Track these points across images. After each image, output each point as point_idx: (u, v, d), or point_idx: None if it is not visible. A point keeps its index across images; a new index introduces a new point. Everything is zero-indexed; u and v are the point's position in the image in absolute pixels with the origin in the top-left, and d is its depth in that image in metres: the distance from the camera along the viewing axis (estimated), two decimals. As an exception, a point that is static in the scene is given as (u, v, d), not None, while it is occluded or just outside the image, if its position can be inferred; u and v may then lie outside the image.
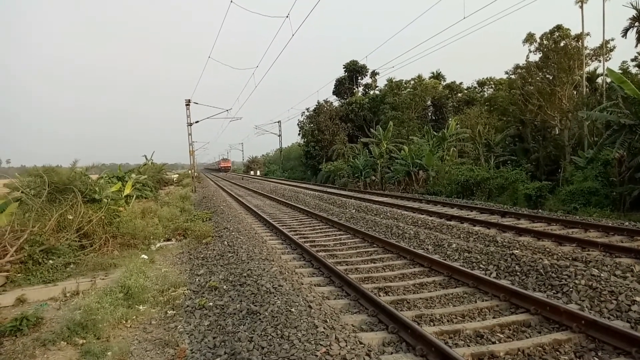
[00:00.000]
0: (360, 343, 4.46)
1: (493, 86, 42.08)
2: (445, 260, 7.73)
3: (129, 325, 5.88)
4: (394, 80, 42.98)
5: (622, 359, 4.10)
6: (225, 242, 10.49)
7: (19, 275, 7.90)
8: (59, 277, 7.94)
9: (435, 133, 29.63)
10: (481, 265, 7.40)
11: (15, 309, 6.59)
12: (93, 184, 11.94)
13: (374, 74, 48.90)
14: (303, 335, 4.58)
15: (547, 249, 7.77)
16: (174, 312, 6.34)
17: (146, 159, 33.97)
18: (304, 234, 11.50)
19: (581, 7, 28.50)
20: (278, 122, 62.49)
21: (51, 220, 9.40)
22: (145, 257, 9.50)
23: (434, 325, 5.09)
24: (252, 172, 74.63)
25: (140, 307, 6.46)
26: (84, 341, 5.23)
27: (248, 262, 8.08)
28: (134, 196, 15.59)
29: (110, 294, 6.60)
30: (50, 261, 8.46)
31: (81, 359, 4.87)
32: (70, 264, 8.74)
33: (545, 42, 29.40)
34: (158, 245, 11.12)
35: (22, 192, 10.72)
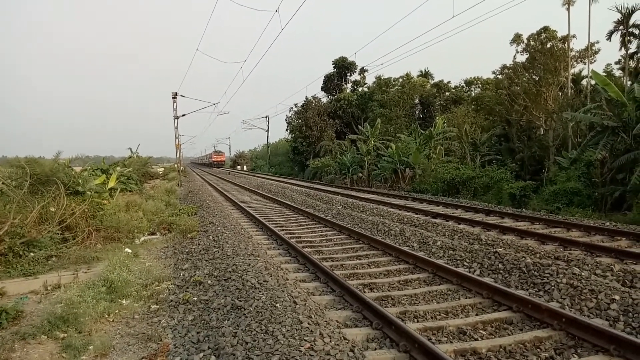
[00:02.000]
0: (345, 339, 4.47)
1: (480, 86, 42.46)
2: (430, 257, 7.78)
3: (111, 320, 5.81)
4: (382, 78, 43.12)
5: (600, 356, 4.18)
6: (211, 237, 10.42)
7: (-2, 267, 7.75)
8: (40, 270, 7.80)
9: (422, 131, 29.80)
10: (465, 263, 7.48)
11: (-5, 302, 6.47)
12: (76, 176, 11.76)
13: (362, 70, 48.97)
14: (287, 330, 4.57)
15: (530, 248, 7.87)
16: (158, 306, 6.29)
17: (131, 151, 33.61)
18: (290, 230, 11.49)
19: (568, 9, 28.89)
20: (266, 117, 62.19)
21: (33, 212, 9.23)
22: (129, 250, 9.40)
23: (417, 321, 5.13)
24: (238, 167, 74.23)
25: (123, 301, 6.39)
26: (65, 335, 5.16)
27: (233, 257, 8.04)
28: (119, 189, 15.39)
29: (93, 287, 6.52)
30: (32, 254, 8.32)
31: (62, 353, 4.80)
32: (52, 257, 8.61)
33: (532, 43, 29.75)
34: (142, 239, 11.01)
35: (2, 183, 10.51)
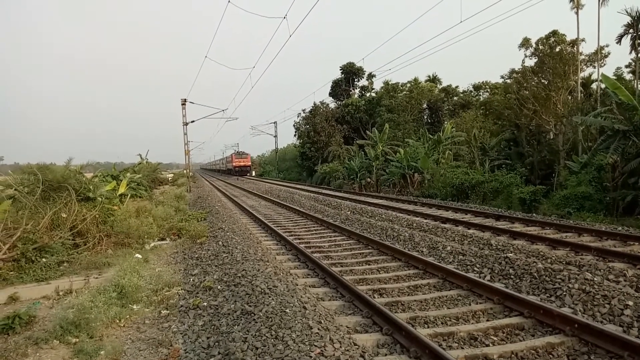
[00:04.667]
0: (355, 344, 4.46)
1: (489, 90, 42.30)
2: (439, 262, 7.74)
3: (122, 325, 5.85)
4: (390, 83, 43.10)
5: (614, 362, 4.13)
6: (220, 242, 10.46)
7: (11, 273, 7.84)
8: (52, 276, 7.89)
9: (430, 136, 29.72)
10: (475, 268, 7.43)
11: (8, 307, 6.55)
12: (87, 182, 11.88)
13: (370, 76, 48.95)
14: (297, 336, 4.57)
15: (541, 253, 7.81)
16: (168, 311, 6.32)
17: (141, 157, 33.86)
18: (298, 235, 11.49)
19: (577, 12, 28.74)
20: (274, 122, 62.40)
21: (45, 218, 9.33)
22: (139, 256, 9.46)
23: (428, 327, 5.10)
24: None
25: (134, 307, 6.43)
26: (77, 340, 5.21)
27: (243, 263, 8.06)
28: (129, 195, 15.52)
29: (104, 293, 6.57)
30: (44, 259, 8.40)
31: (74, 358, 4.84)
32: (64, 263, 8.69)
33: (540, 47, 29.60)
34: (152, 244, 11.07)
35: (15, 189, 10.64)
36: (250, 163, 62.23)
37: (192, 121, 31.15)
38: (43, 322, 5.88)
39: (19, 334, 5.45)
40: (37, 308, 6.45)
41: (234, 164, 59.99)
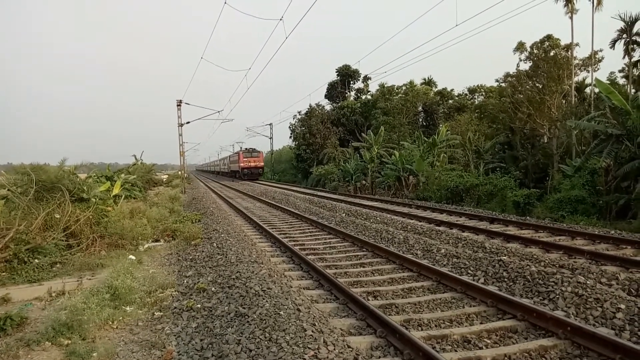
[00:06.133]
0: (349, 347, 4.46)
1: (483, 93, 42.53)
2: (434, 265, 7.76)
3: (115, 327, 5.81)
4: (385, 86, 43.25)
5: (606, 365, 4.15)
6: (215, 244, 10.43)
7: (3, 274, 7.78)
8: (44, 277, 7.83)
9: (425, 139, 29.77)
10: (469, 271, 7.45)
11: (-1, 309, 6.49)
12: (81, 183, 11.80)
13: (366, 78, 49.11)
14: (291, 338, 4.57)
15: (535, 256, 7.84)
16: (161, 313, 6.29)
17: (135, 158, 33.73)
18: (293, 237, 11.48)
19: (571, 17, 28.95)
20: (269, 124, 62.31)
21: (38, 219, 9.27)
22: (133, 257, 9.41)
23: (422, 330, 5.11)
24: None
25: (127, 308, 6.39)
26: (69, 342, 5.16)
27: (237, 265, 8.05)
28: (123, 196, 15.44)
29: (97, 294, 6.51)
30: (36, 260, 8.34)
31: (66, 360, 4.80)
32: (57, 264, 8.63)
33: (535, 51, 29.82)
34: (146, 246, 11.02)
35: (8, 189, 10.56)
36: (263, 164, 50.71)
37: (188, 122, 31.08)
38: (35, 324, 5.83)
39: (11, 336, 5.40)
40: (29, 309, 6.40)
41: (241, 164, 47.86)
